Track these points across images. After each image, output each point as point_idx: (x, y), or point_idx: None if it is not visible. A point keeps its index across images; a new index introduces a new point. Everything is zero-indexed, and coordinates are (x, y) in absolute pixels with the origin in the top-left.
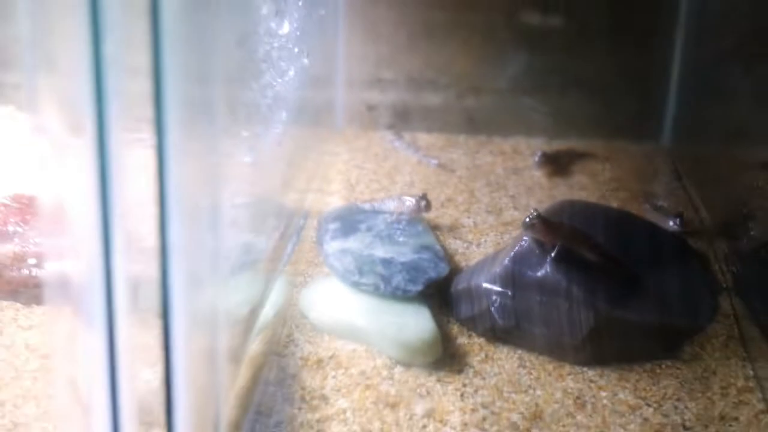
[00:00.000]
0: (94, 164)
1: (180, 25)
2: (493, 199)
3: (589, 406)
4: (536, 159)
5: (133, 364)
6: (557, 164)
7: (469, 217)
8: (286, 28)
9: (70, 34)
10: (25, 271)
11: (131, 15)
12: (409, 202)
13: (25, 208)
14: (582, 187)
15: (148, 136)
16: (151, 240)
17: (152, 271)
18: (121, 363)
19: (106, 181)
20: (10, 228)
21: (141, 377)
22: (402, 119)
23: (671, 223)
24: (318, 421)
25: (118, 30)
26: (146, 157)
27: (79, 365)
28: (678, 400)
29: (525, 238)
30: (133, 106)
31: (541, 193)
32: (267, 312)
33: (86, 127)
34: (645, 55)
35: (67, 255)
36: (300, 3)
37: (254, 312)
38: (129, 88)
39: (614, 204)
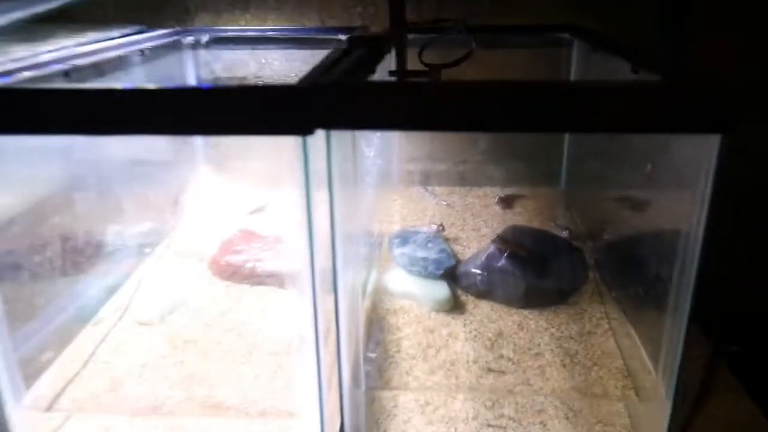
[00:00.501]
0: (305, 216)
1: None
2: (475, 224)
3: (524, 328)
4: (497, 200)
5: (324, 314)
6: (507, 203)
7: (463, 234)
8: (373, 150)
9: None
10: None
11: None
12: (434, 227)
13: (247, 236)
14: (521, 216)
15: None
16: (328, 250)
17: (329, 265)
18: (319, 314)
19: (311, 223)
20: (240, 248)
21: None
22: (426, 179)
23: (564, 234)
24: (396, 339)
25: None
26: (326, 213)
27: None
28: (568, 324)
29: (492, 246)
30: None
31: (500, 219)
32: (370, 286)
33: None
34: (552, 134)
35: (278, 260)
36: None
37: (365, 286)
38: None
39: (536, 225)
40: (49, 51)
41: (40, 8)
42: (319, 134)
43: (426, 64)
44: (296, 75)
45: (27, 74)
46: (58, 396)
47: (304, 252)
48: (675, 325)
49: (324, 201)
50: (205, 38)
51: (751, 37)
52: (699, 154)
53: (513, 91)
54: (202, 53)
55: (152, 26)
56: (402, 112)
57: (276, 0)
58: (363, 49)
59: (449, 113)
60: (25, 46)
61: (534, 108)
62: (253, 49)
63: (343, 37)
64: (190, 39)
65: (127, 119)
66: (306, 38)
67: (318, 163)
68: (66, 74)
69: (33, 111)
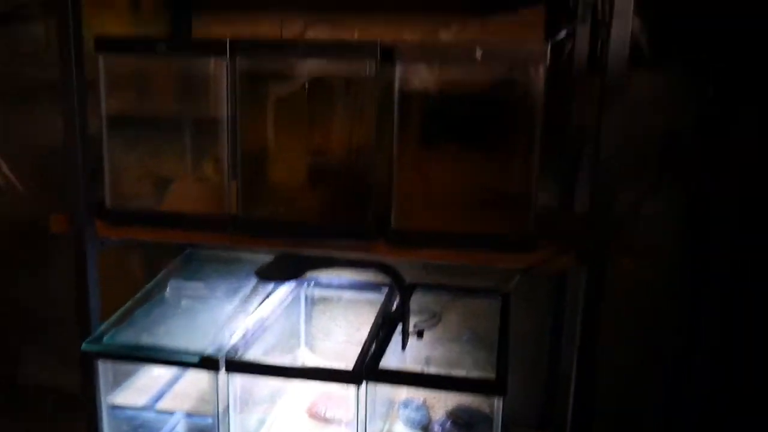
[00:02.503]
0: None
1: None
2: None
3: None
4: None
5: None
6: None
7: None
8: None
9: None
10: None
11: None
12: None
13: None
14: None
15: None
16: None
17: None
18: None
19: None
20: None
21: None
22: None
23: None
24: None
25: None
26: None
27: None
28: None
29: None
30: None
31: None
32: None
33: None
34: None
35: None
36: None
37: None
38: None
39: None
40: None
41: None
42: None
43: (417, 329)
44: None
45: None
46: None
47: None
48: None
49: None
50: (311, 282)
51: None
52: None
53: None
54: (309, 291)
55: None
56: None
57: None
58: (387, 327)
59: None
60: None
61: None
62: (336, 289)
63: (384, 288)
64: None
65: None
66: (363, 285)
67: None
68: None
69: None
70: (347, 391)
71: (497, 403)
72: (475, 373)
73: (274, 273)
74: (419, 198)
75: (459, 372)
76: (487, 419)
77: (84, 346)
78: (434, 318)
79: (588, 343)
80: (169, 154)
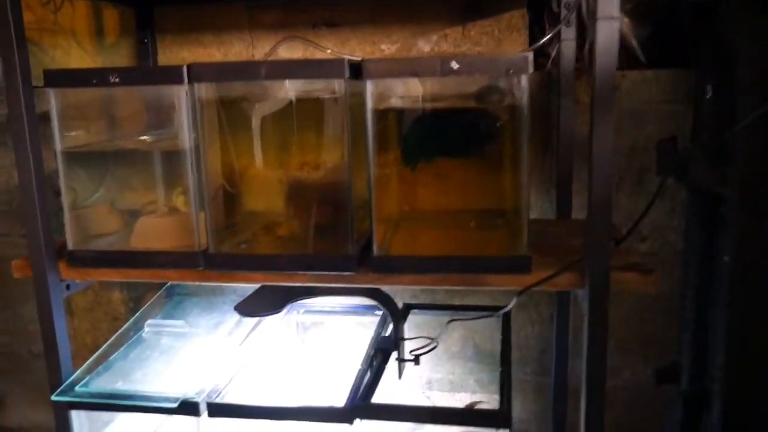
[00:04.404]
0: None
1: None
2: None
3: None
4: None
5: None
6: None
7: None
8: None
9: None
10: None
11: None
12: None
13: None
14: None
15: None
16: None
17: None
18: None
19: None
20: None
21: None
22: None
23: None
24: None
25: None
26: None
27: None
28: None
29: None
30: None
31: None
32: None
33: None
34: None
35: None
36: None
37: None
38: None
39: None
40: None
41: None
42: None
43: (414, 355)
44: None
45: None
46: None
47: None
48: None
49: None
50: (301, 309)
51: None
52: None
53: None
54: (300, 318)
55: None
56: None
57: None
58: (380, 356)
59: None
60: None
61: None
62: (327, 315)
63: (378, 311)
64: (294, 311)
65: None
66: (355, 311)
67: None
68: None
69: None
70: (338, 430)
71: None
72: (477, 397)
73: (254, 308)
74: (402, 221)
75: (462, 395)
76: None
77: (54, 396)
78: (431, 342)
79: (595, 361)
80: (134, 188)
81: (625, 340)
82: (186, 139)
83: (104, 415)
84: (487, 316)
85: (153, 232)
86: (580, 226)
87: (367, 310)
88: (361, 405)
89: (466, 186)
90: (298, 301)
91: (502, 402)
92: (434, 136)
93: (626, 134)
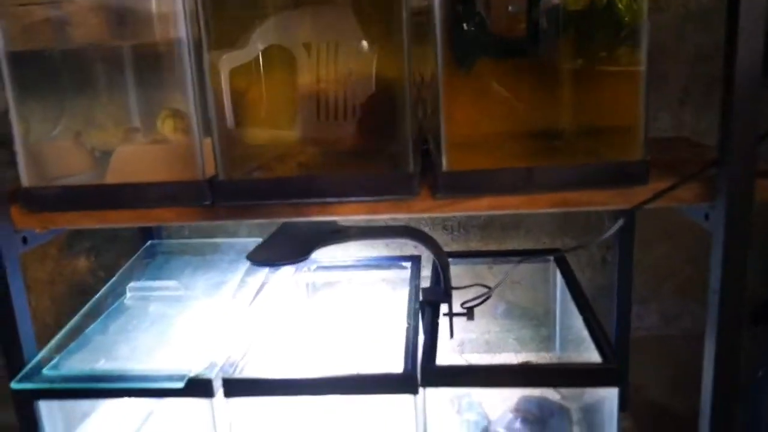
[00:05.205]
0: None
1: None
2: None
3: None
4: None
5: None
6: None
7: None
8: None
9: None
10: None
11: None
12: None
13: None
14: None
15: None
16: None
17: None
18: None
19: None
20: None
21: None
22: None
23: (558, 398)
24: None
25: None
26: None
27: None
28: None
29: (510, 413)
30: None
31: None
32: None
33: None
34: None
35: None
36: None
37: None
38: None
39: (538, 393)
40: None
41: None
42: None
43: (465, 308)
44: None
45: None
46: None
47: None
48: None
49: None
50: (312, 266)
51: None
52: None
53: None
54: (311, 276)
55: None
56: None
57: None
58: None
59: None
60: None
61: None
62: (343, 270)
63: (404, 263)
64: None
65: None
66: (377, 264)
67: None
68: None
69: None
70: (399, 401)
71: (612, 393)
72: (523, 357)
73: (271, 255)
74: (479, 129)
75: (505, 356)
76: (561, 410)
77: (15, 384)
78: (486, 293)
79: (731, 297)
80: (105, 113)
81: (688, 282)
82: (181, 27)
83: (82, 405)
84: (563, 253)
85: (138, 164)
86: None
87: (390, 262)
88: (428, 370)
89: (565, 82)
90: (321, 248)
91: (605, 356)
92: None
93: (690, 39)
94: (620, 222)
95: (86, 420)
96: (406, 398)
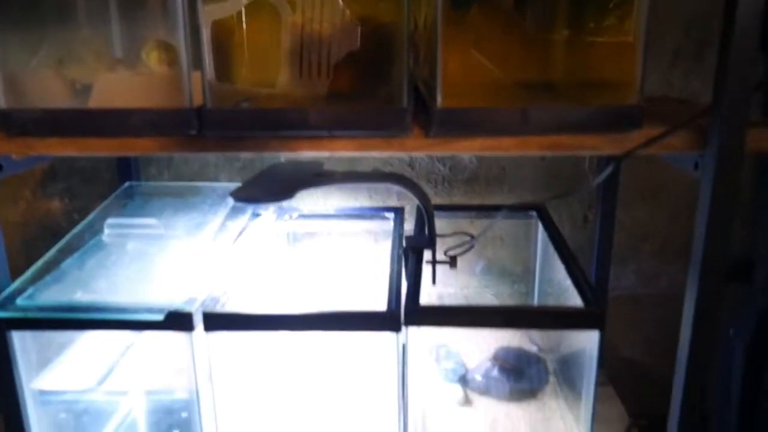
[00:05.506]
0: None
1: None
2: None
3: (509, 415)
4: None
5: None
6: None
7: (468, 348)
8: None
9: None
10: None
11: None
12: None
13: None
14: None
15: None
16: None
17: None
18: None
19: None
20: None
21: None
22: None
23: (534, 349)
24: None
25: None
26: None
27: None
28: (535, 411)
29: (488, 362)
30: None
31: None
32: None
33: None
34: None
35: None
36: None
37: None
38: None
39: (515, 343)
40: None
41: None
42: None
43: (449, 256)
44: None
45: None
46: None
47: None
48: (586, 412)
49: None
50: (294, 214)
51: None
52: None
53: None
54: (292, 224)
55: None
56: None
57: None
58: (414, 256)
59: None
60: None
61: None
62: (325, 219)
63: (387, 214)
64: (286, 215)
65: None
66: (360, 214)
67: None
68: None
69: None
70: (381, 339)
71: (593, 337)
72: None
73: (254, 193)
74: (474, 74)
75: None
76: (538, 360)
77: None
78: (469, 241)
79: (714, 247)
80: (90, 43)
81: (668, 243)
82: None
83: (57, 338)
84: (551, 199)
85: (121, 93)
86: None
87: (373, 213)
88: (411, 309)
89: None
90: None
91: (587, 301)
92: None
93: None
94: (610, 167)
95: (61, 354)
96: (389, 336)
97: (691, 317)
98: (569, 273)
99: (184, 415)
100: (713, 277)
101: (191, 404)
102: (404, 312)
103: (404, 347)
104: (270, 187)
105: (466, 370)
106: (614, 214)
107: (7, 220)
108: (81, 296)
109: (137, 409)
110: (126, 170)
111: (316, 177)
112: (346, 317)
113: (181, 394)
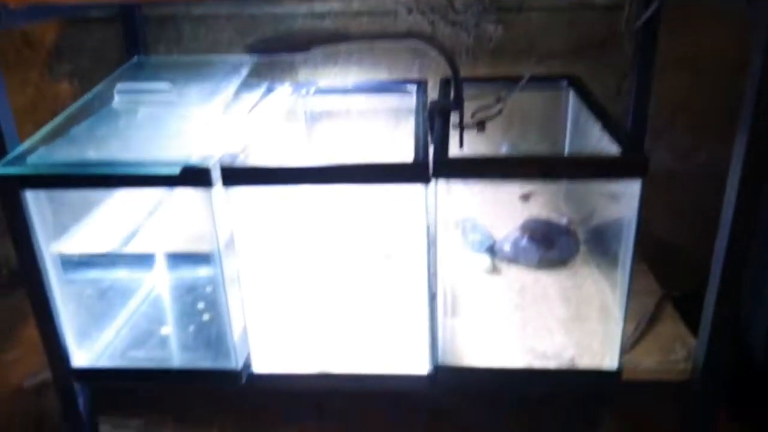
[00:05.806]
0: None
1: None
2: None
3: (539, 282)
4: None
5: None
6: (525, 197)
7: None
8: None
9: None
10: None
11: None
12: None
13: None
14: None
15: None
16: None
17: None
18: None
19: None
20: None
21: None
22: None
23: (564, 221)
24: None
25: None
26: None
27: None
28: (566, 280)
29: (517, 231)
30: None
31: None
32: None
33: None
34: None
35: None
36: None
37: None
38: None
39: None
40: None
41: None
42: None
43: (477, 120)
44: None
45: None
46: None
47: None
48: (623, 275)
49: None
50: (311, 89)
51: None
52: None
53: None
54: (309, 101)
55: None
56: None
57: (357, 58)
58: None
59: None
60: None
61: None
62: (344, 94)
63: (409, 87)
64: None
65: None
66: (380, 87)
67: None
68: None
69: None
70: (409, 193)
71: (634, 188)
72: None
73: (271, 44)
74: None
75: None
76: (568, 231)
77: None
78: (496, 105)
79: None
80: None
81: (704, 115)
82: None
83: (73, 202)
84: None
85: None
86: None
87: (394, 86)
88: (440, 160)
89: None
90: (322, 45)
91: (624, 148)
92: None
93: None
94: (656, 3)
95: (79, 222)
96: (417, 189)
97: (735, 192)
98: (606, 127)
99: (208, 289)
100: (763, 138)
101: (214, 264)
102: (433, 163)
103: (435, 201)
104: (287, 41)
105: (494, 241)
106: (651, 83)
107: (15, 107)
108: (94, 155)
109: (161, 285)
110: (134, 48)
111: (332, 34)
112: (372, 169)
113: (203, 261)
